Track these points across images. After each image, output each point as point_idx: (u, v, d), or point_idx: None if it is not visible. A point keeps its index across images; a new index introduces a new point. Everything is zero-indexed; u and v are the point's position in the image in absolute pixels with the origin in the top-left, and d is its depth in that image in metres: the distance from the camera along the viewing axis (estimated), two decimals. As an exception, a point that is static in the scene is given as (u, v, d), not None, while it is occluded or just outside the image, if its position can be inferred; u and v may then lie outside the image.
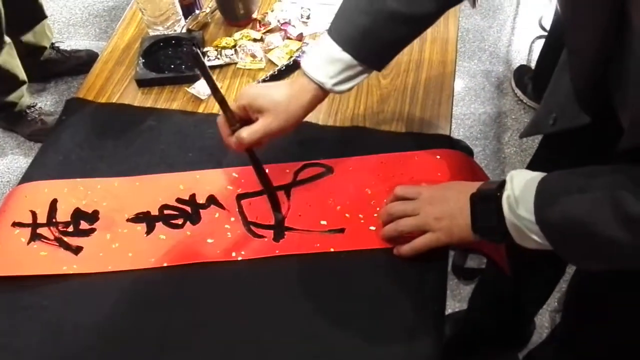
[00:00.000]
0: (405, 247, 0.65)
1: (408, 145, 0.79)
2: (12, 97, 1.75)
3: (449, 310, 1.38)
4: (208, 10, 1.01)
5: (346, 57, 0.64)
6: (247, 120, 0.67)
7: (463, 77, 2.01)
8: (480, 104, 1.91)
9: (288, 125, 0.66)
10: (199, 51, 0.64)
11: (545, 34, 2.13)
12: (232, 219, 0.72)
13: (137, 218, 0.73)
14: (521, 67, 1.97)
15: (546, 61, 1.74)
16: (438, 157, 0.76)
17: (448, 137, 0.81)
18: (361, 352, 0.61)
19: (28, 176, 0.79)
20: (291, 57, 0.92)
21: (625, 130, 0.51)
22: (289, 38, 0.96)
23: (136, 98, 0.90)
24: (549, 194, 0.54)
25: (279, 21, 0.98)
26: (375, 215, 0.71)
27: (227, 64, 0.93)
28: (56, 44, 1.97)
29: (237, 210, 0.73)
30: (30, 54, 1.87)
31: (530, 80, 1.90)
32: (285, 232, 0.70)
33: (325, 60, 0.65)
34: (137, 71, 0.91)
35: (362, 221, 0.71)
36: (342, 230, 0.70)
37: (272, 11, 1.00)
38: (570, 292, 0.95)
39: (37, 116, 1.83)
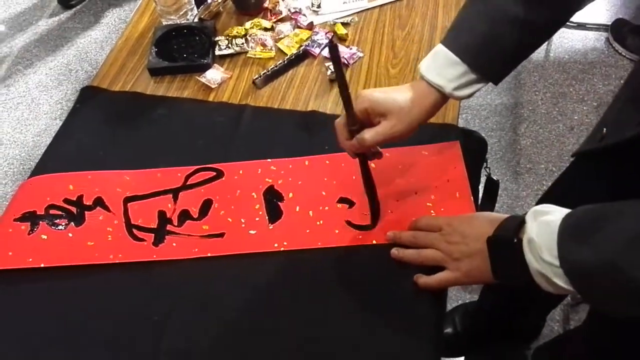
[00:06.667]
0: (431, 281, 0.64)
1: (414, 135, 0.78)
2: None
3: (459, 302, 1.38)
4: (220, -1, 1.02)
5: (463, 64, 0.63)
6: (365, 124, 0.65)
7: (480, 67, 1.99)
8: (496, 94, 1.88)
9: (410, 129, 0.65)
10: (337, 44, 0.60)
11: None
12: (116, 221, 0.73)
13: (23, 217, 0.73)
14: (618, 20, 1.92)
15: None
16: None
17: (455, 127, 0.80)
18: (360, 341, 0.62)
19: (42, 164, 0.81)
20: (301, 46, 0.93)
21: None
22: (299, 27, 0.96)
23: (148, 86, 0.91)
24: (574, 233, 0.49)
25: (289, 10, 0.99)
26: (257, 219, 0.71)
27: (238, 53, 0.94)
28: None
29: (122, 212, 0.73)
30: None
31: (629, 32, 1.84)
32: (166, 237, 0.71)
33: (444, 65, 0.63)
34: (150, 60, 0.93)
35: (243, 225, 0.71)
36: (222, 235, 0.70)
37: (283, 0, 1.01)
38: None
39: None
